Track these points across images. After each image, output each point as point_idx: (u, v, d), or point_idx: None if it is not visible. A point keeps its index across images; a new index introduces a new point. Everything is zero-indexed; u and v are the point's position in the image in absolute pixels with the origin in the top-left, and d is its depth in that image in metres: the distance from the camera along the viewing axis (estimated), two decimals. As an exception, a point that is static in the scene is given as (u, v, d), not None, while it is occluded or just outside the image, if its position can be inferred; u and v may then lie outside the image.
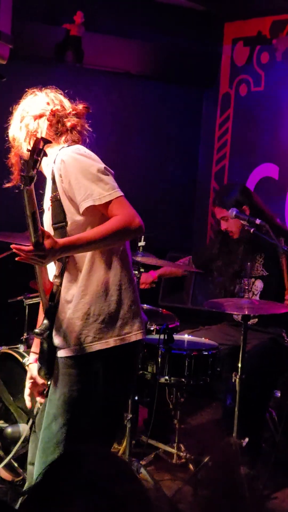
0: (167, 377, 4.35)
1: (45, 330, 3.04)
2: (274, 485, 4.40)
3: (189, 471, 4.35)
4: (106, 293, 3.02)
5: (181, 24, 6.76)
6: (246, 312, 4.12)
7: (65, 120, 3.12)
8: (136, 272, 4.44)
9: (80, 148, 3.07)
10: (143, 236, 4.53)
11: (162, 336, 4.31)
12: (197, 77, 6.98)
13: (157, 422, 4.47)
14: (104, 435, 3.09)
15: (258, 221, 4.39)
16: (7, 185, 3.17)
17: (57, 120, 3.11)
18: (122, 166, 6.69)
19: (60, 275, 3.04)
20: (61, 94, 3.22)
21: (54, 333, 3.05)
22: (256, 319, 4.73)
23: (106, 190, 2.95)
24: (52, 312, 3.05)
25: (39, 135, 3.05)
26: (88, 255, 3.01)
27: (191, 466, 4.36)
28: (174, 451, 4.48)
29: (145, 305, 5.00)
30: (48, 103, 3.13)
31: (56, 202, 3.01)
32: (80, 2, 6.13)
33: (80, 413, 3.01)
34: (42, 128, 3.09)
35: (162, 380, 4.36)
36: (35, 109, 3.12)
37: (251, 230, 4.42)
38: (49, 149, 3.06)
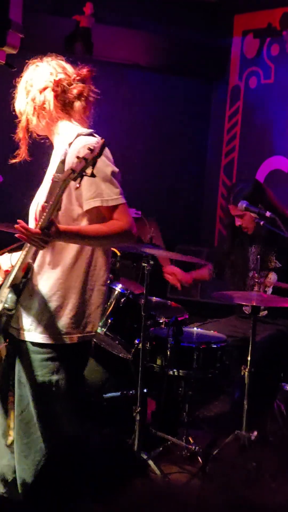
0: (175, 370, 4.35)
1: (14, 306, 3.07)
2: (283, 479, 4.38)
3: (197, 463, 4.35)
4: (82, 291, 3.08)
5: (191, 16, 6.74)
6: (255, 303, 4.11)
7: (70, 87, 3.10)
8: (146, 264, 4.43)
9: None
10: (152, 229, 4.52)
11: (171, 329, 4.30)
12: (206, 69, 6.96)
13: (165, 415, 4.47)
14: (75, 418, 3.18)
15: (268, 214, 4.37)
16: (13, 160, 3.18)
17: (62, 89, 3.09)
18: (131, 158, 6.68)
19: (35, 253, 3.06)
20: (62, 60, 3.19)
21: (20, 311, 3.10)
22: (266, 312, 4.72)
23: (115, 194, 2.99)
24: (20, 288, 3.08)
25: (47, 107, 3.07)
26: (74, 249, 3.05)
27: (199, 459, 4.35)
28: (182, 443, 4.47)
29: (154, 298, 4.99)
30: (51, 73, 3.10)
31: (58, 183, 2.96)
32: (89, -7, 6.12)
33: (50, 394, 3.09)
34: (49, 100, 3.07)
35: (171, 372, 4.36)
36: (39, 81, 3.10)
37: (261, 223, 4.41)
38: (62, 124, 3.10)
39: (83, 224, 3.03)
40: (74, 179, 2.76)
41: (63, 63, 3.16)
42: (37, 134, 3.20)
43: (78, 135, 3.03)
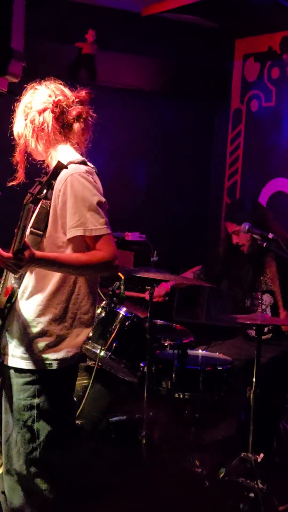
0: (181, 393, 4.35)
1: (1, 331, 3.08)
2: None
3: (204, 486, 4.33)
4: (62, 318, 3.06)
5: (192, 41, 6.80)
6: (259, 322, 4.12)
7: (69, 109, 3.10)
8: (149, 287, 4.45)
9: (89, 172, 3.04)
10: (155, 252, 4.54)
11: (176, 352, 4.31)
12: (208, 93, 7.03)
13: (172, 438, 4.45)
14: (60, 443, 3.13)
15: (271, 236, 4.39)
16: (11, 183, 3.16)
17: (61, 111, 3.08)
18: (135, 181, 6.72)
19: (20, 278, 3.04)
20: (61, 84, 3.18)
21: (6, 337, 3.09)
22: (270, 334, 4.73)
23: (100, 224, 2.96)
24: (6, 313, 3.08)
25: (45, 129, 3.05)
26: (57, 276, 3.03)
27: (206, 482, 4.33)
28: (189, 466, 4.46)
29: (159, 321, 5.00)
30: (50, 95, 3.09)
31: (44, 209, 2.99)
32: (92, 21, 6.19)
33: (33, 418, 3.05)
34: (48, 122, 3.05)
35: (177, 395, 4.36)
36: (38, 103, 3.08)
37: (264, 244, 4.43)
38: (59, 149, 3.09)
39: (67, 252, 3.01)
40: (32, 202, 2.76)
41: (62, 86, 3.16)
42: (34, 158, 3.19)
43: (69, 163, 2.98)
